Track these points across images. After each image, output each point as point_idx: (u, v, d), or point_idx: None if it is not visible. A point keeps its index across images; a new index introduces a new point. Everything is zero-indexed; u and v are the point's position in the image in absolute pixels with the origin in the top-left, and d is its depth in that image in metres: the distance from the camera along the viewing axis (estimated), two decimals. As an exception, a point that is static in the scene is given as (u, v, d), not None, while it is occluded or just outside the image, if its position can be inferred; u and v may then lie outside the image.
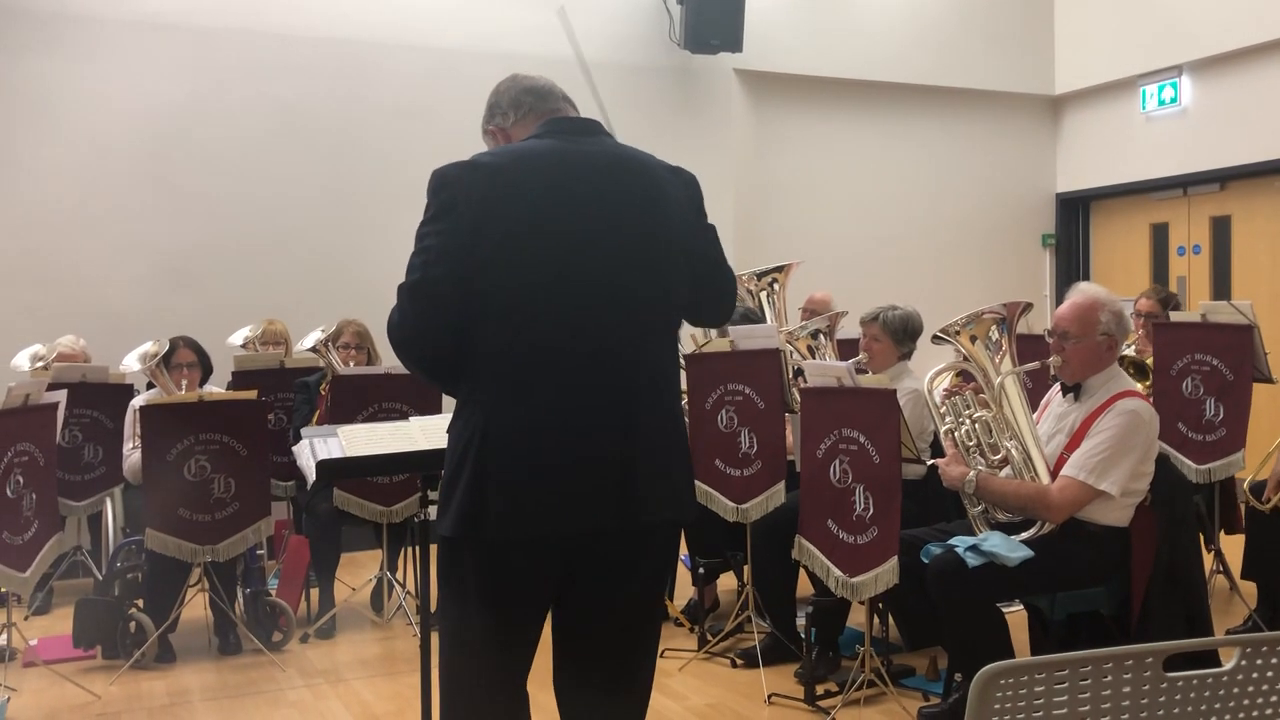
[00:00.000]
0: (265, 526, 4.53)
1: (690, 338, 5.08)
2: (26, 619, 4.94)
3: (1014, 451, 3.51)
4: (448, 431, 2.16)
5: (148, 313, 5.96)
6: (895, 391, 3.53)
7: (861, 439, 3.54)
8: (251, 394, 4.56)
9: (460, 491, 2.05)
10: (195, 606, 4.76)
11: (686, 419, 4.80)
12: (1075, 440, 3.41)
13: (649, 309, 2.16)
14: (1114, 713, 1.32)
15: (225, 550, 4.41)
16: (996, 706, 1.30)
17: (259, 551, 4.80)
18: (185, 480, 4.32)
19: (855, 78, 8.05)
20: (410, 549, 5.16)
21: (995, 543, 3.31)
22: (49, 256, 6.11)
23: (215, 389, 5.09)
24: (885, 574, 3.44)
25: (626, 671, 2.25)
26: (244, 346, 5.71)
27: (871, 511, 3.50)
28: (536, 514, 2.04)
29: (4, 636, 4.28)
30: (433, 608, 4.42)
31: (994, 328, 3.53)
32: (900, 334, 4.30)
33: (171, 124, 6.35)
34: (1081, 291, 3.58)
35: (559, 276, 2.06)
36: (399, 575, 5.09)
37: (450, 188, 2.08)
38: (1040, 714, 1.30)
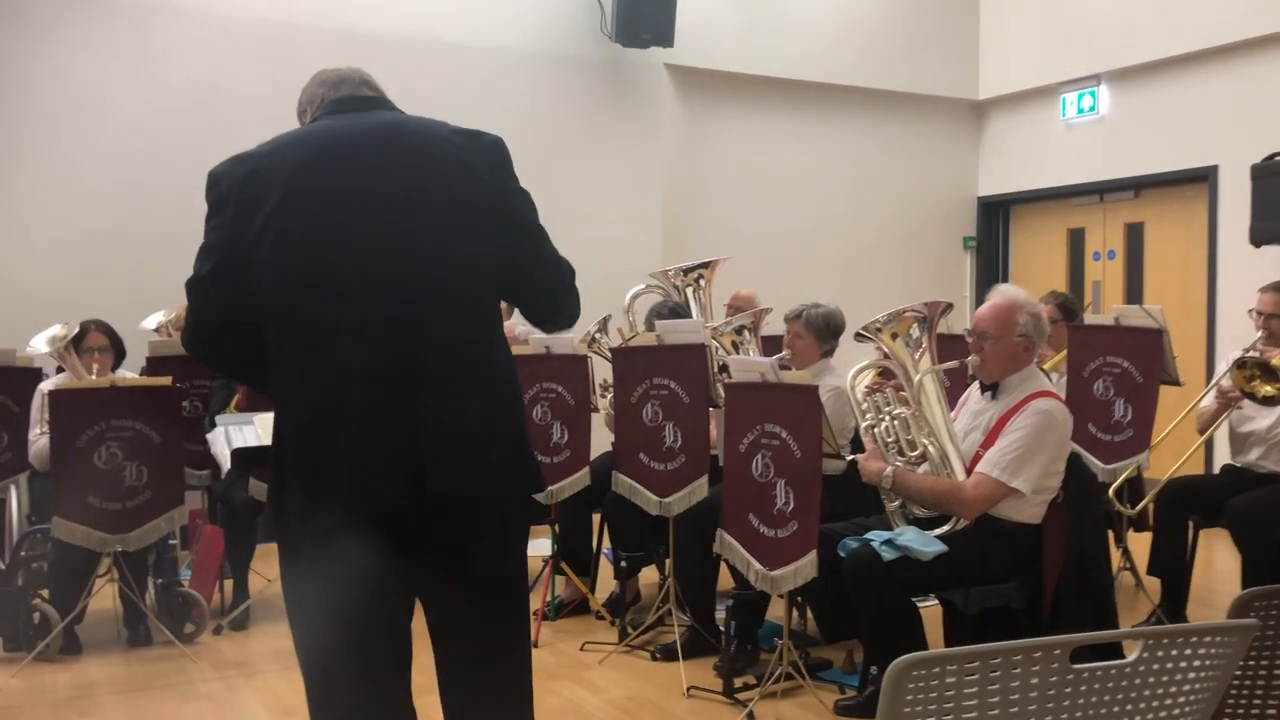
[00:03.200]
0: (178, 516, 4.42)
1: (617, 331, 5.09)
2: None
3: (931, 448, 3.57)
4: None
5: (58, 295, 5.77)
6: (817, 388, 3.57)
7: (783, 434, 3.57)
8: (166, 380, 4.45)
9: (273, 493, 2.06)
10: (104, 597, 4.64)
11: (611, 410, 4.83)
12: (991, 437, 3.48)
13: (437, 267, 2.04)
14: (1023, 703, 1.35)
15: (136, 540, 4.30)
16: (909, 698, 1.32)
17: (171, 541, 4.69)
18: (95, 467, 4.21)
19: (785, 76, 8.11)
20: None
21: (910, 537, 3.36)
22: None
23: (128, 374, 4.96)
24: (804, 568, 3.48)
25: (486, 660, 2.14)
26: (158, 331, 5.56)
27: (792, 506, 3.54)
28: (328, 505, 1.96)
29: (-101, 627, 4.13)
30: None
31: (915, 326, 3.59)
32: (823, 331, 4.35)
33: (86, 101, 6.16)
34: (1001, 293, 3.65)
35: (321, 258, 1.99)
36: (316, 566, 5.01)
37: (218, 185, 2.08)
38: (951, 705, 1.33)
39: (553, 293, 2.24)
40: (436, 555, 2.05)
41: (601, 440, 4.95)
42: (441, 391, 2.01)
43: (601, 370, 4.94)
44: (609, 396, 4.89)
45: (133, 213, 6.24)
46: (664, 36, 7.26)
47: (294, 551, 2.05)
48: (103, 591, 4.60)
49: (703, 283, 5.57)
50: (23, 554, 4.50)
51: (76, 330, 4.73)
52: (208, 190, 2.09)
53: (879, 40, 8.43)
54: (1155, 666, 1.39)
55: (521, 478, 2.12)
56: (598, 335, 5.16)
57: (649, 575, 5.12)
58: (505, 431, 2.08)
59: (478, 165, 2.11)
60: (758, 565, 3.65)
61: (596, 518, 4.98)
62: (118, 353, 4.93)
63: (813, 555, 3.46)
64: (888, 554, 3.31)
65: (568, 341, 4.72)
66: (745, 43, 7.94)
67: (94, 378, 4.59)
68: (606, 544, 5.10)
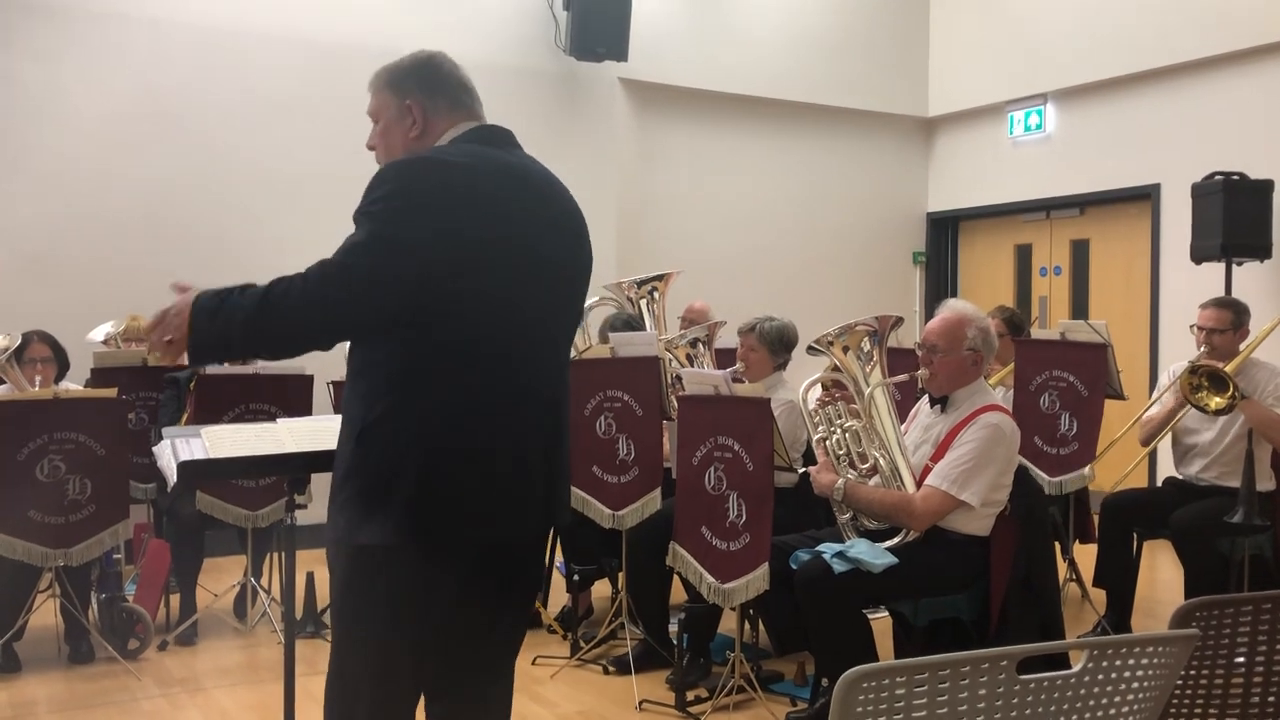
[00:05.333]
0: (123, 530, 4.34)
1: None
2: None
3: (882, 460, 3.60)
4: (373, 429, 2.02)
5: (10, 306, 5.65)
6: (770, 400, 3.59)
7: (736, 447, 3.59)
8: (111, 392, 4.37)
9: (402, 498, 1.98)
10: (45, 613, 4.54)
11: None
12: (940, 450, 3.52)
13: (570, 324, 2.27)
14: (970, 714, 1.36)
15: (79, 554, 4.22)
16: (859, 709, 1.34)
17: (116, 556, 4.60)
18: (37, 480, 4.12)
19: (738, 92, 8.17)
20: (276, 555, 5.03)
21: (861, 550, 3.39)
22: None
23: (72, 386, 4.87)
24: (756, 580, 3.50)
25: (504, 679, 2.29)
26: (106, 343, 5.47)
27: (744, 518, 3.56)
28: (484, 521, 2.05)
29: None
30: (299, 614, 4.31)
31: (866, 340, 3.63)
32: (776, 344, 4.38)
33: (29, 105, 6.06)
34: (951, 308, 3.70)
35: (524, 294, 2.07)
36: (263, 581, 4.94)
37: (420, 182, 1.99)
38: (901, 715, 1.34)
39: None
40: (511, 576, 2.19)
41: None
42: (558, 436, 2.18)
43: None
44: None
45: (79, 222, 6.13)
46: (618, 50, 7.29)
47: (425, 558, 2.02)
48: (43, 607, 4.51)
49: (656, 295, 5.60)
50: (-40, 569, 4.40)
51: (18, 341, 4.64)
52: (398, 183, 1.99)
53: (831, 57, 8.52)
54: (1100, 676, 1.42)
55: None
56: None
57: (601, 588, 5.10)
58: (569, 471, 2.31)
59: (584, 226, 2.28)
60: (710, 578, 3.66)
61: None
62: (61, 364, 4.84)
63: (764, 568, 3.48)
64: (839, 566, 3.34)
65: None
66: (699, 58, 7.99)
67: (36, 389, 4.50)
68: (559, 557, 5.08)
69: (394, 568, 2.02)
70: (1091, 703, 1.42)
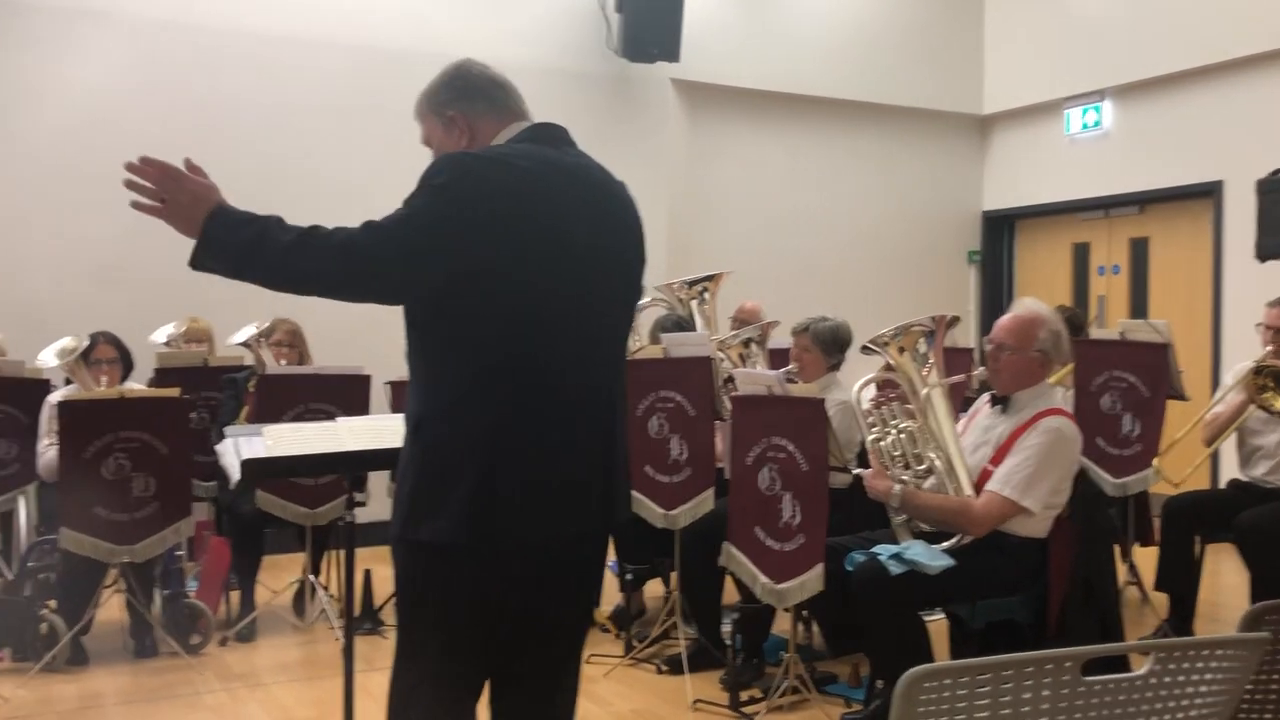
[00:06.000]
0: (185, 527, 4.43)
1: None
2: (-70, 620, 4.78)
3: (938, 462, 3.57)
4: (427, 426, 2.05)
5: (67, 308, 5.78)
6: (823, 401, 3.57)
7: (790, 447, 3.58)
8: (174, 391, 4.46)
9: (462, 495, 1.99)
10: (111, 608, 4.65)
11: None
12: (1000, 453, 3.47)
13: (624, 321, 2.27)
14: (1034, 715, 1.35)
15: (143, 551, 4.30)
16: (920, 710, 1.33)
17: (178, 553, 4.69)
18: (103, 479, 4.21)
19: (790, 91, 8.14)
20: (335, 552, 5.10)
21: (917, 551, 3.36)
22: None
23: (136, 386, 4.97)
24: (811, 581, 3.48)
25: (564, 675, 2.28)
26: (167, 344, 5.59)
27: (799, 519, 3.54)
28: (541, 519, 2.05)
29: (-93, 638, 4.14)
30: (358, 611, 4.36)
31: (921, 340, 3.59)
32: (830, 345, 4.36)
33: (98, 116, 6.19)
34: (1025, 306, 3.63)
35: (580, 292, 2.08)
36: (322, 579, 5.02)
37: (472, 176, 2.00)
38: (963, 716, 1.33)
39: None
40: (572, 574, 2.19)
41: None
42: (616, 434, 2.18)
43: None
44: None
45: (142, 229, 6.24)
46: (670, 51, 7.29)
47: (488, 555, 2.03)
48: (109, 602, 4.61)
49: (707, 296, 5.59)
50: (30, 564, 4.52)
51: (86, 343, 4.75)
52: (452, 174, 2.00)
53: (884, 55, 8.46)
54: (1167, 679, 1.40)
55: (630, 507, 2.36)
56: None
57: (654, 588, 5.11)
58: (628, 466, 2.29)
59: (637, 220, 2.27)
60: (764, 579, 3.65)
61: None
62: (126, 365, 4.95)
63: (819, 569, 3.46)
64: (895, 568, 3.31)
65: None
66: (751, 57, 7.97)
67: (103, 389, 4.60)
68: (611, 556, 5.09)
69: (451, 565, 2.03)
70: (1159, 705, 1.40)
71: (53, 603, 4.41)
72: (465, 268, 1.98)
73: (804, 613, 3.90)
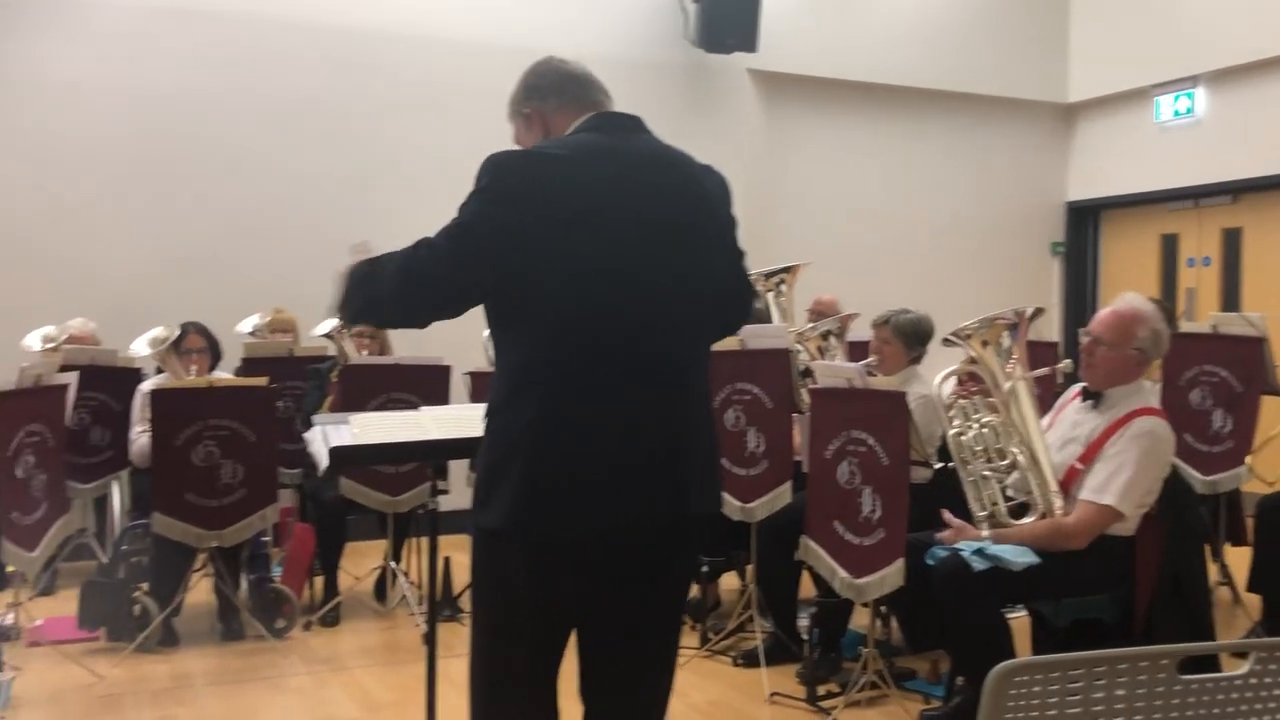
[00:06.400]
0: (271, 513, 4.54)
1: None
2: (32, 599, 4.93)
3: (1021, 457, 3.50)
4: (489, 419, 2.11)
5: (157, 299, 5.95)
6: (905, 394, 3.53)
7: (870, 441, 3.55)
8: (262, 381, 4.57)
9: (510, 484, 2.04)
10: (199, 591, 4.78)
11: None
12: (1090, 451, 3.39)
13: (697, 306, 2.18)
14: (1128, 713, 1.33)
15: (231, 536, 4.42)
16: (1010, 704, 1.31)
17: (264, 538, 4.81)
18: (193, 465, 4.33)
19: (869, 81, 8.05)
20: (415, 540, 5.18)
21: (1002, 547, 3.31)
22: (61, 240, 6.12)
23: (224, 375, 5.10)
24: (891, 576, 3.45)
25: (652, 668, 2.24)
26: (253, 334, 5.72)
27: (879, 513, 3.51)
28: (591, 509, 2.04)
29: (10, 616, 4.30)
30: (438, 596, 4.41)
31: (1005, 333, 3.53)
32: (911, 338, 4.30)
33: (187, 110, 6.36)
34: (1127, 302, 3.52)
35: (615, 272, 2.06)
36: (403, 565, 5.10)
37: (510, 175, 2.05)
38: (1054, 713, 1.31)
39: (748, 310, 2.43)
40: (643, 569, 2.14)
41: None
42: (694, 420, 2.14)
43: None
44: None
45: (231, 221, 6.43)
46: (747, 41, 7.25)
47: (535, 544, 2.06)
48: (198, 586, 4.74)
49: (784, 288, 5.54)
50: (124, 548, 4.67)
51: (177, 333, 4.88)
52: (491, 175, 2.06)
53: (965, 43, 8.31)
54: (1268, 680, 1.36)
55: (718, 499, 2.25)
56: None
57: (728, 581, 5.11)
58: (713, 455, 2.22)
59: (720, 203, 2.24)
60: (843, 573, 3.63)
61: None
62: (214, 354, 5.08)
63: (899, 564, 3.42)
64: (978, 564, 3.27)
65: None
66: (829, 47, 7.89)
67: (192, 378, 4.73)
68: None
69: (506, 553, 2.09)
70: (1258, 706, 1.36)
71: (145, 585, 4.54)
72: (508, 268, 2.03)
73: (882, 608, 3.86)
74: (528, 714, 2.19)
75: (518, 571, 2.08)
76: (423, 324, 2.16)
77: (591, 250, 2.04)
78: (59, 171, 6.16)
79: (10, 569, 4.27)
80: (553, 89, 2.24)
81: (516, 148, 2.14)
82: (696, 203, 2.17)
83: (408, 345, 5.37)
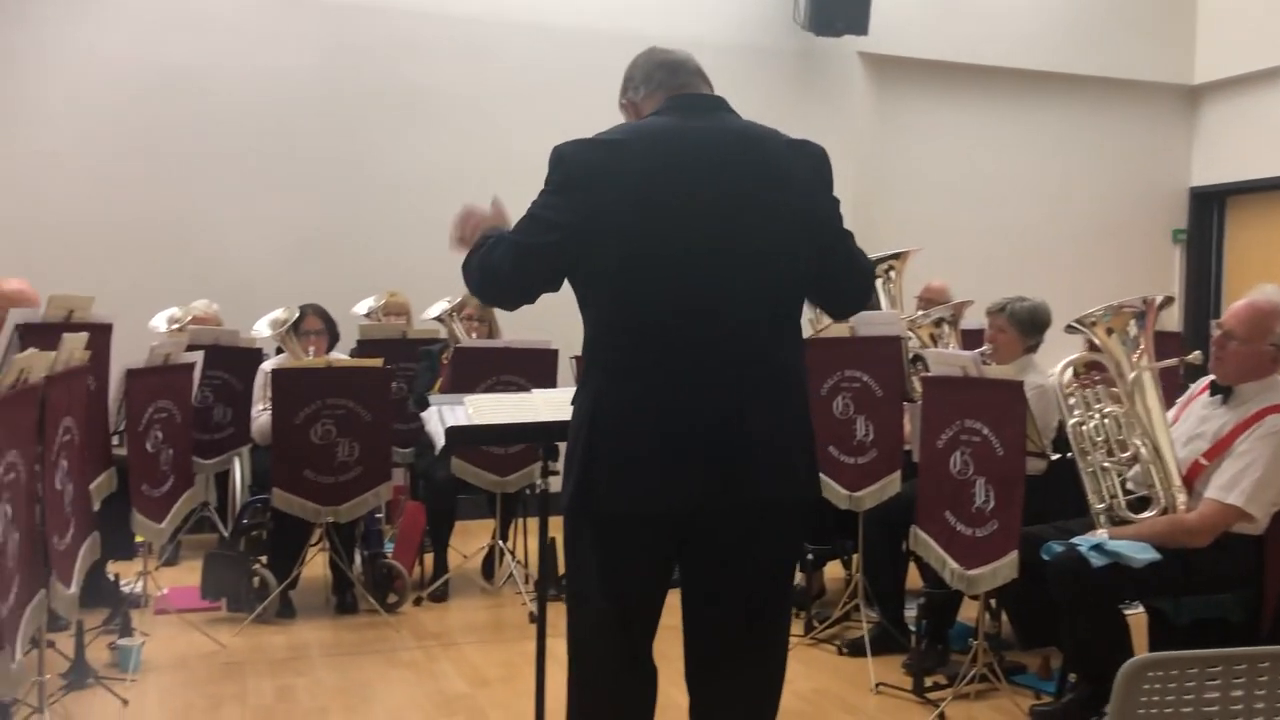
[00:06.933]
0: (384, 491, 4.65)
1: (809, 322, 5.05)
2: (157, 569, 5.16)
3: (1143, 449, 3.40)
4: (574, 399, 2.22)
5: (276, 281, 6.14)
6: (1022, 384, 3.45)
7: (985, 430, 3.48)
8: (377, 362, 4.68)
9: (575, 465, 2.12)
10: (315, 565, 4.93)
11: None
12: (1218, 448, 3.28)
13: (764, 284, 2.14)
14: (1268, 714, 1.28)
15: (347, 512, 4.54)
16: (1143, 699, 1.28)
17: (377, 515, 4.93)
18: (311, 443, 4.46)
19: (982, 63, 7.87)
20: (522, 520, 5.26)
21: (1122, 543, 3.22)
22: (183, 224, 6.37)
23: (341, 356, 5.24)
24: (1004, 569, 3.38)
25: (747, 655, 2.24)
26: (368, 316, 5.86)
27: (992, 505, 3.44)
28: (640, 489, 2.07)
29: (139, 584, 4.49)
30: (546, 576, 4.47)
31: (1132, 321, 3.42)
32: (1028, 326, 4.20)
33: (307, 99, 6.55)
34: (1265, 294, 3.37)
35: (669, 253, 2.09)
36: (509, 545, 5.18)
37: (567, 165, 2.14)
38: (1190, 709, 1.28)
39: (862, 291, 2.39)
40: (718, 549, 2.16)
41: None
42: (762, 400, 2.12)
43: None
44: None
45: (346, 207, 6.60)
46: (858, 24, 7.16)
47: (599, 522, 2.15)
48: (314, 560, 4.88)
49: (893, 274, 5.47)
50: (244, 522, 4.83)
51: (296, 314, 5.03)
52: (553, 166, 2.16)
53: (1084, 23, 8.06)
54: None
55: (806, 484, 2.22)
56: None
57: (833, 569, 5.08)
58: (797, 438, 2.18)
59: (809, 178, 2.21)
60: (954, 564, 3.57)
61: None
62: (332, 336, 5.23)
63: (1013, 556, 3.35)
64: (1097, 560, 3.18)
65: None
66: (942, 29, 7.73)
67: (311, 359, 4.87)
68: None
69: (579, 533, 2.19)
70: None
71: (264, 558, 4.70)
72: (568, 254, 2.12)
73: (991, 601, 3.79)
74: (611, 686, 2.24)
75: (587, 547, 2.18)
76: (509, 308, 2.30)
77: (641, 232, 2.08)
78: (182, 162, 6.39)
79: (139, 539, 4.46)
80: (643, 78, 2.30)
81: (584, 137, 2.19)
82: (768, 180, 2.15)
83: (516, 329, 5.45)
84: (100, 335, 3.77)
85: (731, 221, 2.11)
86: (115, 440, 4.15)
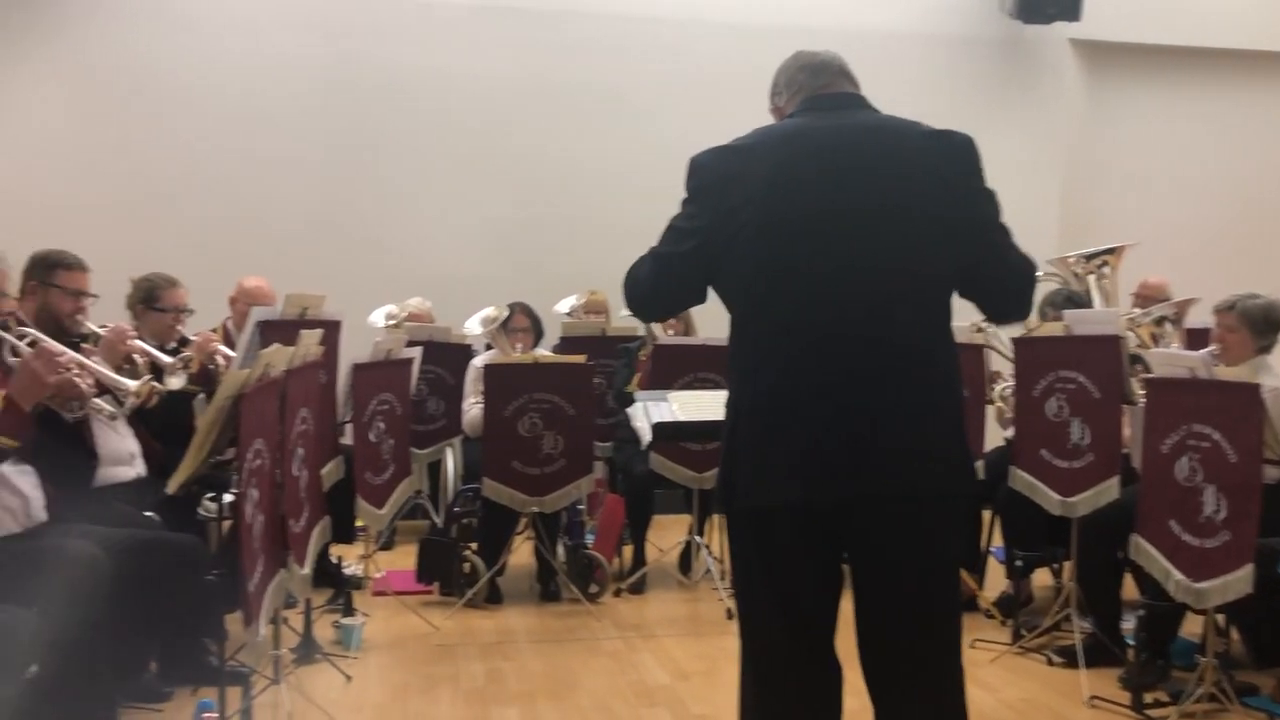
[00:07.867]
0: (586, 483, 4.78)
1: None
2: (375, 553, 5.45)
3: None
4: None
5: (482, 280, 6.35)
6: (1259, 386, 3.25)
7: (1216, 436, 3.28)
8: (581, 358, 4.81)
9: (721, 465, 2.20)
10: (521, 554, 5.10)
11: (1001, 405, 4.68)
12: None
13: (893, 278, 2.10)
14: None
15: (551, 503, 4.69)
16: None
17: (579, 506, 5.06)
18: (519, 435, 4.63)
19: (1204, 45, 7.42)
20: (718, 516, 5.29)
21: (1372, 559, 2.99)
22: (396, 228, 6.73)
23: (546, 352, 5.40)
24: (1236, 582, 3.19)
25: (915, 652, 2.17)
26: (569, 314, 6.02)
27: (1224, 515, 3.25)
28: (772, 481, 2.09)
29: (360, 566, 4.75)
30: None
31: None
32: (1260, 324, 3.94)
33: (504, 104, 6.80)
34: None
35: (794, 254, 2.10)
36: (705, 540, 5.22)
37: (699, 173, 2.20)
38: None
39: (1014, 291, 2.28)
40: (870, 544, 2.14)
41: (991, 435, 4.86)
42: (896, 395, 2.09)
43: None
44: (998, 388, 4.75)
45: (544, 212, 6.83)
46: (1070, 10, 6.87)
47: (745, 519, 2.20)
48: (520, 549, 5.05)
49: (1107, 270, 5.22)
50: (456, 510, 5.04)
51: (506, 313, 5.22)
52: (689, 176, 2.22)
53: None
54: None
55: (951, 479, 2.15)
56: (985, 324, 4.98)
57: (1041, 577, 4.90)
58: (943, 432, 2.13)
59: (948, 170, 2.15)
60: (1179, 575, 3.39)
61: (984, 514, 4.84)
62: (537, 333, 5.41)
63: (1248, 570, 3.16)
64: (1342, 575, 2.97)
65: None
66: (1159, 11, 7.33)
67: (519, 354, 5.04)
68: (997, 542, 4.93)
69: (734, 533, 2.27)
70: None
71: (474, 545, 4.90)
72: (703, 262, 2.17)
73: (1219, 616, 3.58)
74: (779, 687, 2.21)
75: (743, 547, 2.23)
76: (654, 319, 2.40)
77: (770, 234, 2.11)
78: (392, 166, 6.75)
79: (360, 524, 4.72)
80: (786, 82, 2.32)
81: (717, 145, 2.22)
82: (900, 174, 2.11)
83: (711, 327, 5.49)
84: (331, 331, 4.00)
85: (861, 218, 2.10)
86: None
